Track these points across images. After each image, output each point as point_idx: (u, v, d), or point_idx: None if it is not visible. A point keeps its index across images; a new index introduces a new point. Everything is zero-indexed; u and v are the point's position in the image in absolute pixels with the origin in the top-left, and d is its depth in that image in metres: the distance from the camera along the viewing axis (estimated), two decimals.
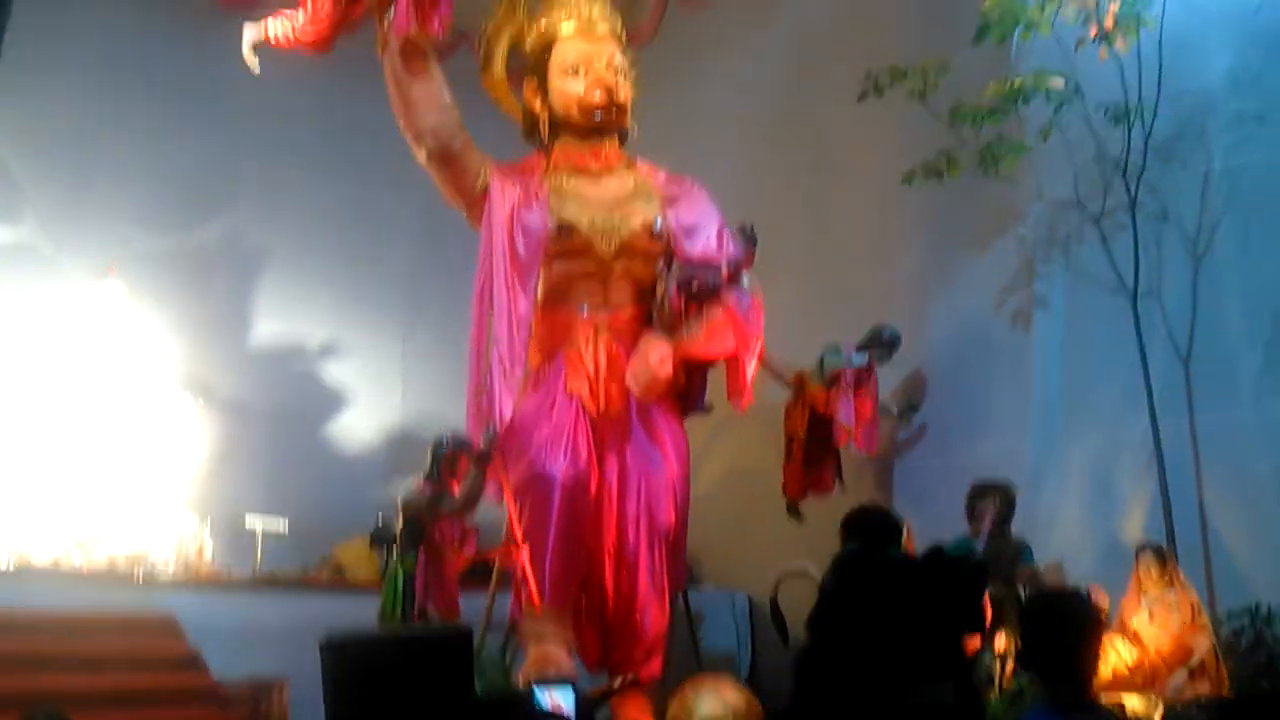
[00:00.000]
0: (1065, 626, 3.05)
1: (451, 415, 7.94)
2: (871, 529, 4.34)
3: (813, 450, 8.28)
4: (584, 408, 6.92)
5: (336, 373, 10.56)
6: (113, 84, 9.61)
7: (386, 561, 7.60)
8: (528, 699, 4.40)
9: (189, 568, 8.37)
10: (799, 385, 8.35)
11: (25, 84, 8.65)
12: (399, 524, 6.50)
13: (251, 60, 7.18)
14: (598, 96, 7.24)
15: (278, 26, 7.14)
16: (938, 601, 2.52)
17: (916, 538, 6.97)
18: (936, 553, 2.76)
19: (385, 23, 7.05)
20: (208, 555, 8.56)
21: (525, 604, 6.60)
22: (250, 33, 7.19)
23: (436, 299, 10.07)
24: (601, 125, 7.36)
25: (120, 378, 8.70)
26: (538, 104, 7.50)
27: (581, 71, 7.30)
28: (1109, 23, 7.05)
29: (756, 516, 8.75)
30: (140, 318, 8.98)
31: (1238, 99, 7.11)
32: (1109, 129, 7.24)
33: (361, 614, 6.59)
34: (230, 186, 10.08)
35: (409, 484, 6.81)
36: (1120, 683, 6.17)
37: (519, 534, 6.56)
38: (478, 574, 7.07)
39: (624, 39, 7.66)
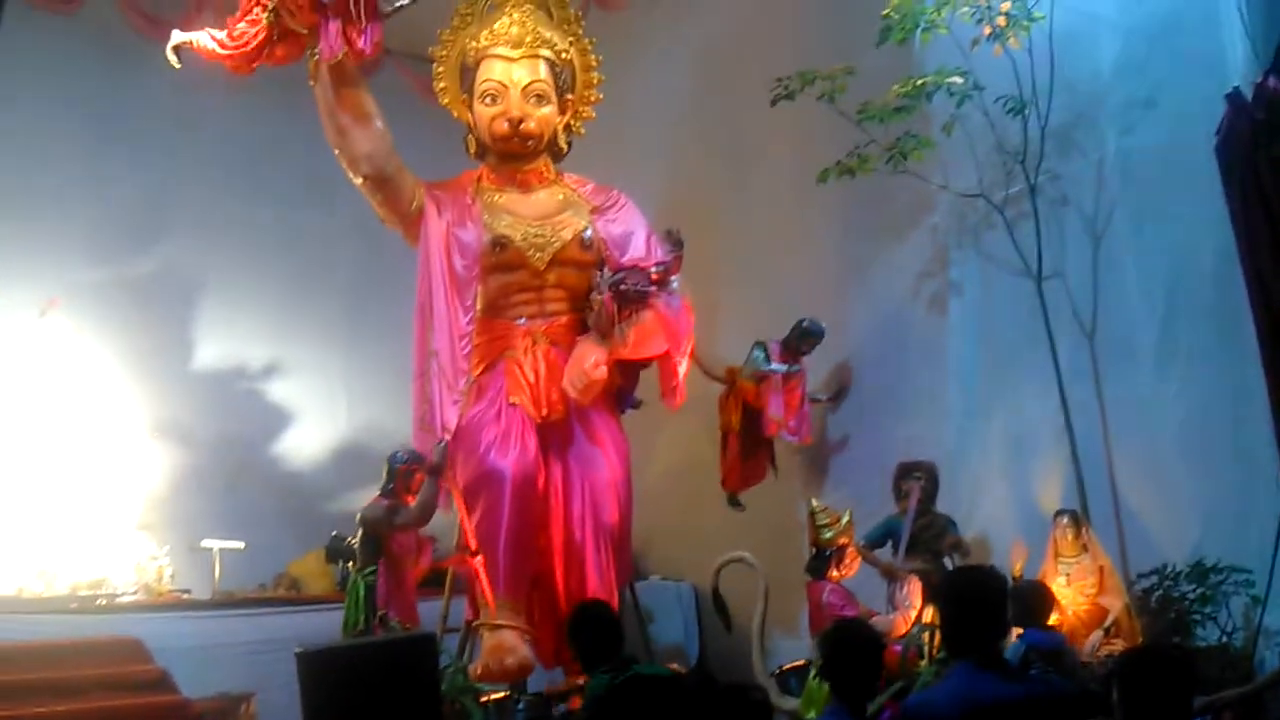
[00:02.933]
0: (971, 599, 3.35)
1: (396, 428, 8.13)
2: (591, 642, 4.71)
3: (747, 443, 8.56)
4: (527, 414, 7.22)
5: (281, 392, 10.61)
6: (48, 117, 9.55)
7: (342, 574, 7.84)
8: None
9: (150, 591, 8.48)
10: (730, 381, 8.63)
11: None
12: (358, 538, 6.72)
13: (172, 59, 7.06)
14: (504, 127, 7.42)
15: (204, 37, 7.07)
16: None
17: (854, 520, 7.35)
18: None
19: (315, 52, 7.14)
20: (167, 578, 8.71)
21: (480, 603, 6.88)
22: (177, 36, 7.09)
23: (377, 315, 10.15)
24: (512, 153, 7.55)
25: (70, 409, 8.79)
26: (471, 122, 7.74)
27: (495, 98, 7.45)
28: (1001, 20, 7.36)
29: (698, 508, 8.99)
30: (86, 350, 9.07)
31: (1126, 86, 7.38)
32: (1008, 121, 7.56)
33: (320, 626, 6.83)
34: (167, 213, 10.06)
35: (365, 500, 7.04)
36: None
37: (471, 542, 6.82)
38: (432, 581, 7.36)
39: (558, 51, 7.60)
